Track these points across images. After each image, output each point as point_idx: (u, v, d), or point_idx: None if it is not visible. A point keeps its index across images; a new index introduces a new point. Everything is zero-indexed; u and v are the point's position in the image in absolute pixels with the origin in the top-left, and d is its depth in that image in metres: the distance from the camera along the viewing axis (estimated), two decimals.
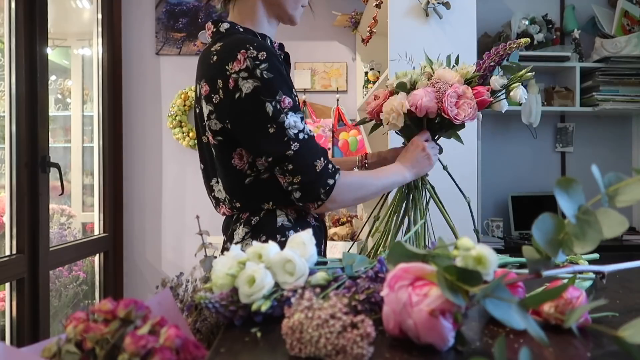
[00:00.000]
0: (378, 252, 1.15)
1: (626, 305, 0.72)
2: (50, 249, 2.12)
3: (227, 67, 1.02)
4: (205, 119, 1.08)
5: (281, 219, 1.10)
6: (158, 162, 2.97)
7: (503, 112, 1.18)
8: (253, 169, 1.07)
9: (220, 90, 1.03)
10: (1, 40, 1.98)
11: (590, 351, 0.53)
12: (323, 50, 2.99)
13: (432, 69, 1.17)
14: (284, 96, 1.01)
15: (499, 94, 1.16)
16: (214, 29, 1.13)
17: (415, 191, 1.18)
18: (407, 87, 1.14)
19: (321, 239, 1.19)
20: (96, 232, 2.78)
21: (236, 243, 1.11)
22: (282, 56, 1.19)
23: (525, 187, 2.98)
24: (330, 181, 1.03)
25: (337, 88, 2.99)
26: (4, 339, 1.94)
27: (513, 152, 2.99)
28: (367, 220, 1.27)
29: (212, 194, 1.17)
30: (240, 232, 1.11)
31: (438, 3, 1.94)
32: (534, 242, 0.54)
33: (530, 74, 1.15)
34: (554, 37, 2.88)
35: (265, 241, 1.05)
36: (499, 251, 2.43)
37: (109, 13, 2.81)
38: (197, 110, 1.13)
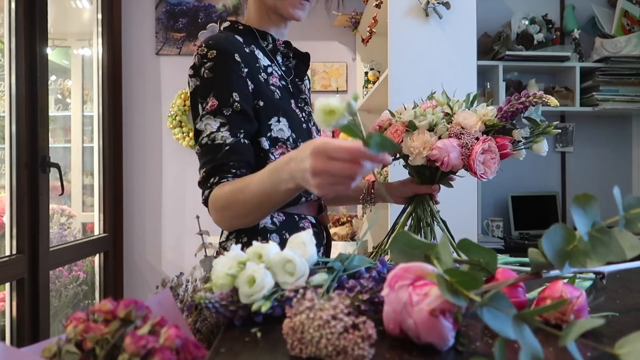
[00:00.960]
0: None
1: (626, 305, 0.72)
2: (50, 249, 2.12)
3: (191, 65, 1.05)
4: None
5: (264, 221, 1.06)
6: (158, 162, 2.96)
7: (521, 159, 1.14)
8: None
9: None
10: (1, 41, 1.98)
11: (590, 351, 0.53)
12: (323, 50, 2.99)
13: (450, 107, 1.11)
14: (211, 98, 0.99)
15: (519, 144, 1.12)
16: (219, 28, 1.16)
17: (426, 228, 1.14)
18: (416, 127, 1.08)
19: (320, 244, 1.15)
20: (96, 232, 2.78)
21: (221, 242, 1.11)
22: (290, 54, 1.19)
23: (525, 187, 2.98)
24: (206, 192, 0.98)
25: (337, 88, 2.99)
26: (4, 339, 1.94)
27: None
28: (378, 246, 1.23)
29: None
30: (225, 232, 1.11)
31: (438, 3, 1.94)
32: (540, 247, 0.54)
33: (556, 130, 1.11)
34: (554, 37, 2.88)
35: (247, 242, 1.05)
36: (499, 251, 2.44)
37: (109, 13, 2.81)
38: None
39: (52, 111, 2.64)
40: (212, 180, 0.97)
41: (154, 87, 2.96)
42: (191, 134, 2.90)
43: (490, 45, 2.76)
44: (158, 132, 2.96)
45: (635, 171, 3.01)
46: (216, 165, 0.97)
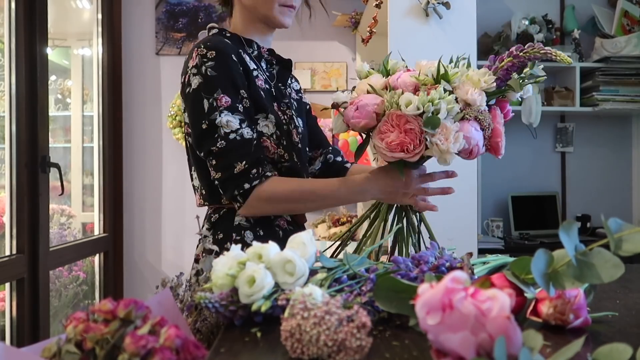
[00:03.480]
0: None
1: (626, 305, 0.72)
2: (50, 249, 2.12)
3: (188, 64, 1.09)
4: (182, 112, 1.14)
5: (239, 218, 1.11)
6: (158, 162, 2.96)
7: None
8: (206, 162, 1.10)
9: (182, 85, 1.11)
10: (1, 40, 1.98)
11: (590, 351, 0.53)
12: (323, 50, 2.99)
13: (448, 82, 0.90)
14: (222, 95, 1.04)
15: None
16: (208, 34, 1.19)
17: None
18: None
19: None
20: (96, 232, 2.78)
21: (199, 239, 1.16)
22: (274, 61, 1.22)
23: (525, 187, 2.98)
24: (246, 185, 1.02)
25: (337, 88, 2.99)
26: (4, 339, 1.94)
27: (513, 152, 2.98)
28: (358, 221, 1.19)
29: (192, 182, 1.21)
30: (204, 228, 1.15)
31: (438, 3, 1.94)
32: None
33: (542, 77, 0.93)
34: (554, 37, 2.88)
35: (223, 239, 1.10)
36: (499, 251, 2.44)
37: (109, 13, 2.81)
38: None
39: (52, 111, 2.64)
40: (254, 172, 1.03)
41: (154, 87, 2.96)
42: None
43: (490, 45, 2.76)
44: (158, 132, 2.96)
45: (635, 171, 3.00)
46: (255, 159, 1.03)
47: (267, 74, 1.20)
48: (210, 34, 1.18)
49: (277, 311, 0.61)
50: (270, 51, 1.22)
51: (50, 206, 2.13)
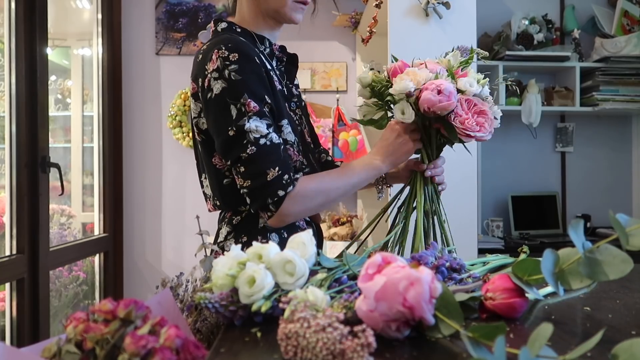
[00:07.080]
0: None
1: (626, 305, 0.72)
2: (50, 249, 2.12)
3: (206, 67, 1.03)
4: (195, 116, 1.09)
5: (263, 220, 1.08)
6: (158, 162, 2.96)
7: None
8: (231, 170, 1.06)
9: (201, 89, 1.04)
10: (1, 40, 1.98)
11: (591, 351, 0.53)
12: (323, 50, 2.99)
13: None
14: (249, 100, 0.99)
15: None
16: (214, 28, 1.14)
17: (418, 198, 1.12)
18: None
19: (317, 243, 1.17)
20: (96, 232, 2.78)
21: (219, 242, 1.12)
22: (284, 58, 1.19)
23: (525, 187, 2.98)
24: (280, 192, 0.98)
25: (337, 88, 2.99)
26: (4, 339, 1.94)
27: (513, 152, 2.99)
28: (374, 223, 1.21)
29: (203, 189, 1.18)
30: (223, 231, 1.12)
31: (438, 3, 1.94)
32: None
33: None
34: (554, 37, 2.88)
35: (247, 242, 1.07)
36: (499, 251, 2.44)
37: (109, 13, 2.80)
38: (190, 108, 1.14)
39: (52, 111, 2.64)
40: (286, 178, 0.99)
41: (154, 87, 2.95)
42: (191, 134, 2.89)
43: (490, 45, 2.76)
44: (158, 132, 2.96)
45: (635, 171, 3.01)
46: (286, 164, 1.01)
47: (278, 72, 1.16)
48: (218, 27, 1.13)
49: (277, 311, 0.61)
50: (282, 48, 1.19)
51: (50, 206, 2.13)
